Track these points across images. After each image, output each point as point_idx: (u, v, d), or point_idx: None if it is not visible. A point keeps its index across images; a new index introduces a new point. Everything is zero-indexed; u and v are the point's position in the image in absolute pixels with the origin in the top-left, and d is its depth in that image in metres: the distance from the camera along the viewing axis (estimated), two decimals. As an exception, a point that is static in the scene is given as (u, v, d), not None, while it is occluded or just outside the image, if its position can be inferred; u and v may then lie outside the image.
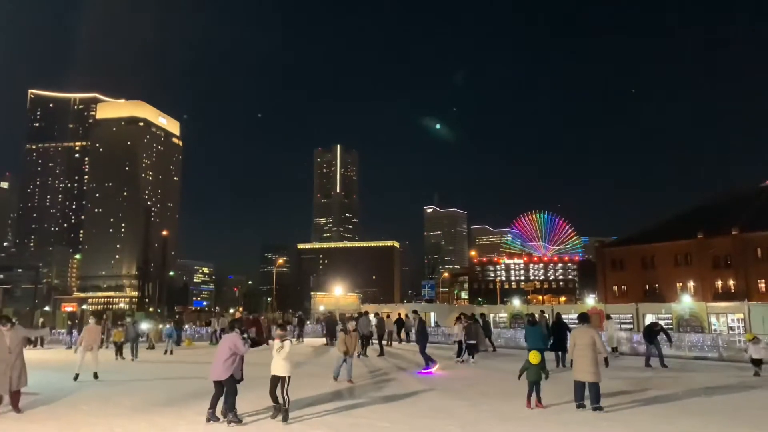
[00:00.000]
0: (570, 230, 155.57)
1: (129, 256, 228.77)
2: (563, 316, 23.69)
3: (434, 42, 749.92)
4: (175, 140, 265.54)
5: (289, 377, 9.95)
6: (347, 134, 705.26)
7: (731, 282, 64.60)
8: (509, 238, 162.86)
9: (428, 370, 17.28)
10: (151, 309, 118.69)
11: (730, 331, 28.56)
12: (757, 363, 16.64)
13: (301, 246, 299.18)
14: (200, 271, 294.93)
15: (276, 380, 9.99)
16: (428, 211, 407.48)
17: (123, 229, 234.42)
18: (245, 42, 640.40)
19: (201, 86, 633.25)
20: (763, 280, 62.09)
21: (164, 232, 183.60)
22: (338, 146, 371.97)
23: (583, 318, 11.75)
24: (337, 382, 14.65)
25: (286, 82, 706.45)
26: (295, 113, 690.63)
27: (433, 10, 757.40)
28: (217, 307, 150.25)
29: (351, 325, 15.91)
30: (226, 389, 9.69)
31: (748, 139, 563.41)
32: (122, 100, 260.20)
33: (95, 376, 15.75)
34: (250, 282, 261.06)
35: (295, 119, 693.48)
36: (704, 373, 17.62)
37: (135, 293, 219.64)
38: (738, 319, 31.80)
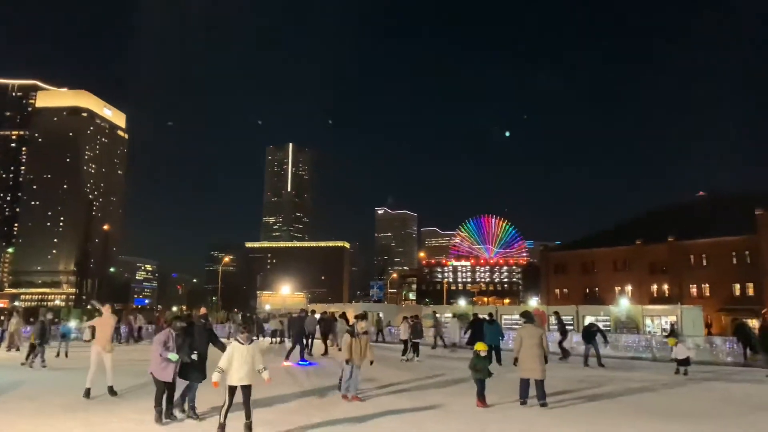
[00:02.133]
0: (519, 237, 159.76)
1: (67, 251, 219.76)
2: (506, 316, 24.32)
3: (387, 43, 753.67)
4: (120, 133, 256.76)
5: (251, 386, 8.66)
6: (301, 133, 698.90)
7: (666, 287, 67.46)
8: (470, 225, 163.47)
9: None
10: (89, 306, 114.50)
11: (663, 333, 29.80)
12: (684, 362, 17.50)
13: (249, 245, 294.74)
14: (143, 268, 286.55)
15: (234, 390, 8.56)
16: (380, 212, 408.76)
17: (62, 223, 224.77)
18: (196, 34, 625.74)
19: (150, 79, 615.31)
20: (695, 286, 65.09)
21: (105, 227, 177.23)
22: (291, 145, 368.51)
23: (528, 317, 12.05)
24: (348, 399, 11.67)
25: (238, 78, 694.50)
26: (248, 109, 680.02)
27: (396, 15, 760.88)
28: (159, 306, 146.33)
29: (361, 325, 11.98)
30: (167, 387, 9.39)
31: (684, 153, 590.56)
32: (65, 89, 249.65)
33: (111, 391, 11.73)
34: (195, 280, 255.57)
35: (247, 115, 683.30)
36: (638, 372, 18.35)
37: (72, 290, 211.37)
38: (671, 321, 33.20)
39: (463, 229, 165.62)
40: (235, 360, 8.46)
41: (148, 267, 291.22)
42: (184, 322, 9.92)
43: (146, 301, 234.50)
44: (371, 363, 11.83)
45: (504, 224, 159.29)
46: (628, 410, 11.10)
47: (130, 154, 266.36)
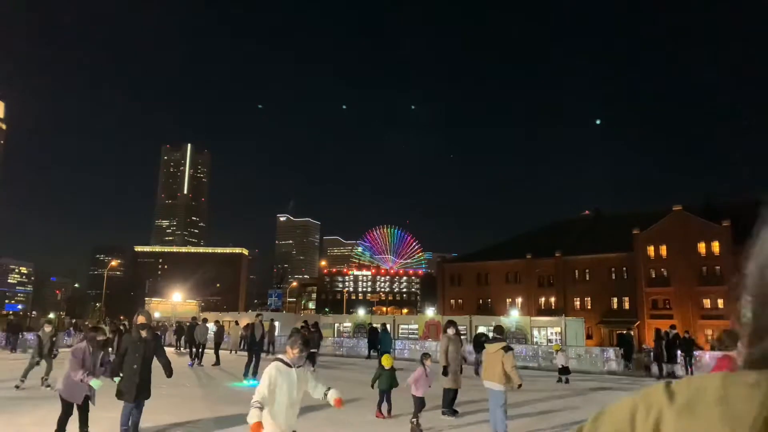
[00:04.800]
0: (416, 246, 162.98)
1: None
2: (403, 326, 24.51)
3: (296, 45, 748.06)
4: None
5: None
6: (199, 133, 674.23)
7: (553, 299, 71.37)
8: (360, 250, 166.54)
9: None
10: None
11: (549, 343, 31.35)
12: (564, 371, 18.50)
13: (138, 248, 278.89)
14: (17, 270, 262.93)
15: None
16: (281, 219, 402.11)
17: None
18: (88, 15, 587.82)
19: (35, 64, 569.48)
20: (578, 299, 69.36)
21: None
22: (189, 145, 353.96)
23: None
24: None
25: (134, 71, 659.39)
26: (143, 104, 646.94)
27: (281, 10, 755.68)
28: (33, 312, 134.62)
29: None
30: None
31: (570, 177, 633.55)
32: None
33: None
34: (76, 285, 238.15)
35: (142, 110, 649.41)
36: (525, 382, 19.04)
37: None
38: (556, 333, 35.02)
39: (357, 253, 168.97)
40: (280, 393, 4.99)
41: (23, 270, 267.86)
42: (107, 334, 8.52)
43: (19, 306, 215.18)
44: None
45: (389, 230, 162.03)
46: (512, 415, 11.39)
47: (8, 146, 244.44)
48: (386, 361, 11.30)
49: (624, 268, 65.07)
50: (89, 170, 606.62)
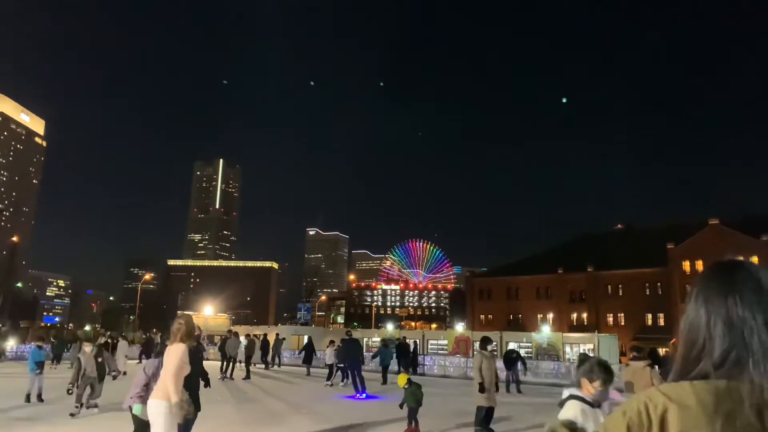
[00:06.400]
0: (446, 261, 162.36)
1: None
2: (432, 341, 24.44)
3: (309, 63, 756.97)
4: (38, 140, 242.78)
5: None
6: (231, 148, 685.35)
7: (585, 315, 70.18)
8: (396, 252, 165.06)
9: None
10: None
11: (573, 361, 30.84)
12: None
13: (171, 262, 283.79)
14: (55, 283, 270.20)
15: None
16: (310, 233, 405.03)
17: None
18: (122, 40, 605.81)
19: (73, 85, 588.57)
20: (611, 314, 68.05)
21: (14, 238, 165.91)
22: (221, 160, 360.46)
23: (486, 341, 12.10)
24: None
25: (168, 89, 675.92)
26: (177, 121, 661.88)
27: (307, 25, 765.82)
28: (71, 324, 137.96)
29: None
30: None
31: (598, 189, 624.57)
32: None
33: None
34: (111, 298, 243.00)
35: (175, 128, 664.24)
36: (555, 398, 18.72)
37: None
38: (588, 349, 34.40)
39: (392, 255, 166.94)
40: None
41: (61, 283, 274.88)
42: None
43: (57, 319, 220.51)
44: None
45: (430, 248, 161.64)
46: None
47: (48, 162, 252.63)
48: (400, 380, 11.33)
49: (658, 284, 63.72)
50: (124, 186, 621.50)
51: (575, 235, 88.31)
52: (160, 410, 5.81)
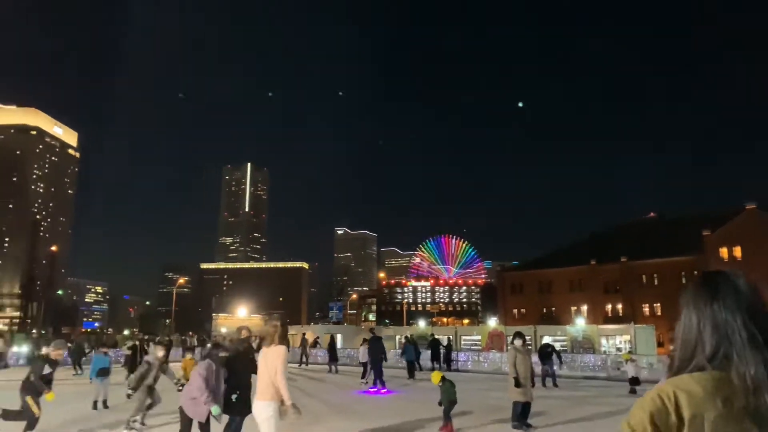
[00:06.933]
0: (477, 258, 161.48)
1: (12, 273, 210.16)
2: (465, 337, 24.42)
3: (348, 63, 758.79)
4: (71, 151, 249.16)
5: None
6: (258, 152, 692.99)
7: (620, 306, 69.00)
8: (429, 246, 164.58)
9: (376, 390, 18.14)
10: (34, 331, 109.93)
11: (618, 352, 30.35)
12: (634, 381, 17.79)
13: (204, 266, 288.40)
14: (93, 290, 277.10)
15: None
16: (339, 232, 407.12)
17: (6, 245, 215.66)
18: (148, 51, 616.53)
19: (102, 96, 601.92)
20: (647, 305, 66.76)
21: (53, 248, 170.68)
22: (249, 164, 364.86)
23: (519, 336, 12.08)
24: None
25: (194, 97, 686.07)
26: (204, 127, 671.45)
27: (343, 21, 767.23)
28: (109, 329, 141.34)
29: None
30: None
31: (633, 177, 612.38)
32: (13, 106, 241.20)
33: None
34: (147, 302, 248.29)
35: (202, 134, 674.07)
36: (592, 392, 18.54)
37: (17, 313, 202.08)
38: (625, 341, 33.89)
39: (423, 249, 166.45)
40: None
41: (99, 289, 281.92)
42: (224, 350, 7.98)
43: (96, 324, 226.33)
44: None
45: (464, 245, 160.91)
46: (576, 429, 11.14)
47: (82, 173, 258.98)
48: (433, 378, 11.33)
49: (695, 272, 62.25)
50: (156, 192, 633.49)
51: (606, 226, 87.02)
52: (269, 412, 5.89)
